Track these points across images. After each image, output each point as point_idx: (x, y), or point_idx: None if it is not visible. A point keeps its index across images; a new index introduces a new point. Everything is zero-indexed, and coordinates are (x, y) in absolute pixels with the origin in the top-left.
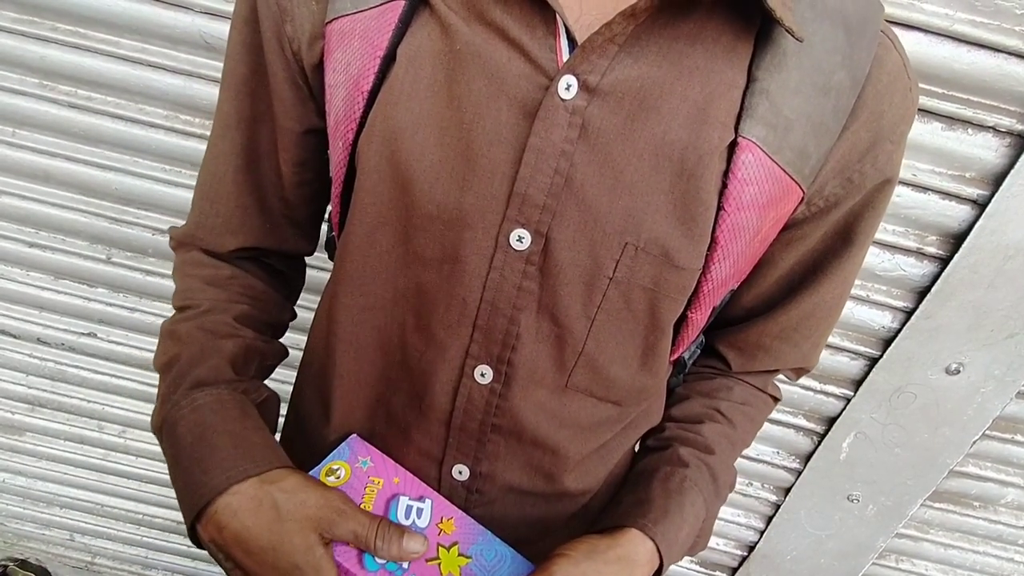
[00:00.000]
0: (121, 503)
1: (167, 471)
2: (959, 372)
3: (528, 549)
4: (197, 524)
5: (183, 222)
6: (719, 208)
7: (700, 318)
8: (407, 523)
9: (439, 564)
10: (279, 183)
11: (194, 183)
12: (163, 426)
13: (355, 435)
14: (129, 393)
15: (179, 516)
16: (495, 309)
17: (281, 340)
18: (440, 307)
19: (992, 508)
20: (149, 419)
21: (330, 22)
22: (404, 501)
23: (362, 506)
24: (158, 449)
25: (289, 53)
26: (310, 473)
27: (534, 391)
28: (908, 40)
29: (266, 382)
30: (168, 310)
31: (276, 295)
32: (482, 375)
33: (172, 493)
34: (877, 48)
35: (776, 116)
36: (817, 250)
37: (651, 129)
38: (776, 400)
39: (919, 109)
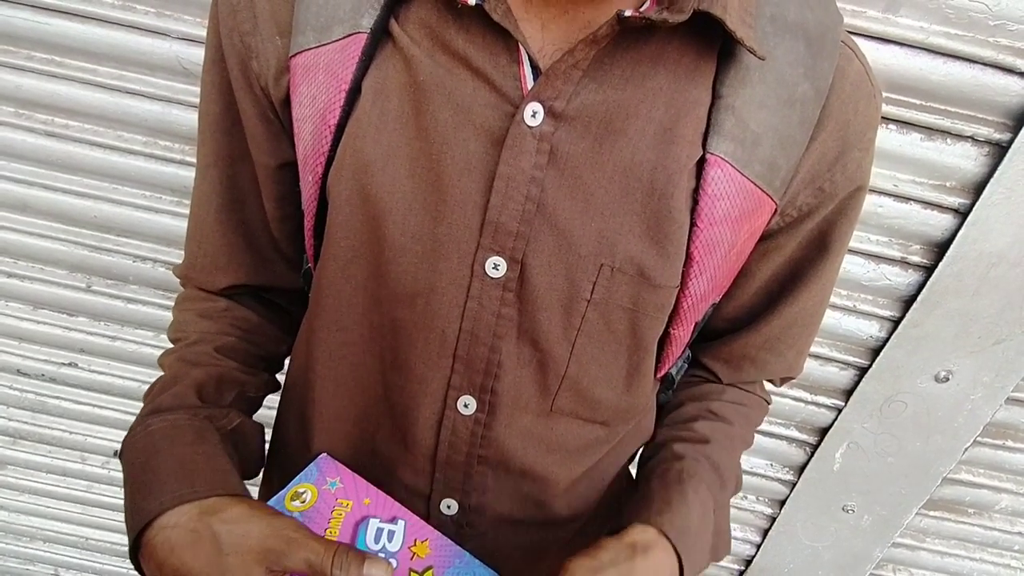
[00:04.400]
0: (106, 536)
1: None
2: (948, 380)
3: None
4: (140, 556)
5: (165, 248)
6: (692, 224)
7: (683, 334)
8: (376, 547)
9: None
10: (265, 220)
11: (174, 209)
12: (120, 452)
13: (325, 454)
14: (112, 423)
15: None
16: (475, 338)
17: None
18: (419, 341)
19: (987, 515)
20: None
21: (294, 56)
22: (374, 524)
23: (328, 531)
24: None
25: (257, 89)
26: (276, 496)
27: (519, 418)
28: (884, 53)
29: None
30: (149, 337)
31: (271, 328)
32: (465, 406)
33: None
34: (839, 58)
35: (743, 131)
36: (794, 259)
37: (619, 151)
38: (767, 403)
39: (899, 121)
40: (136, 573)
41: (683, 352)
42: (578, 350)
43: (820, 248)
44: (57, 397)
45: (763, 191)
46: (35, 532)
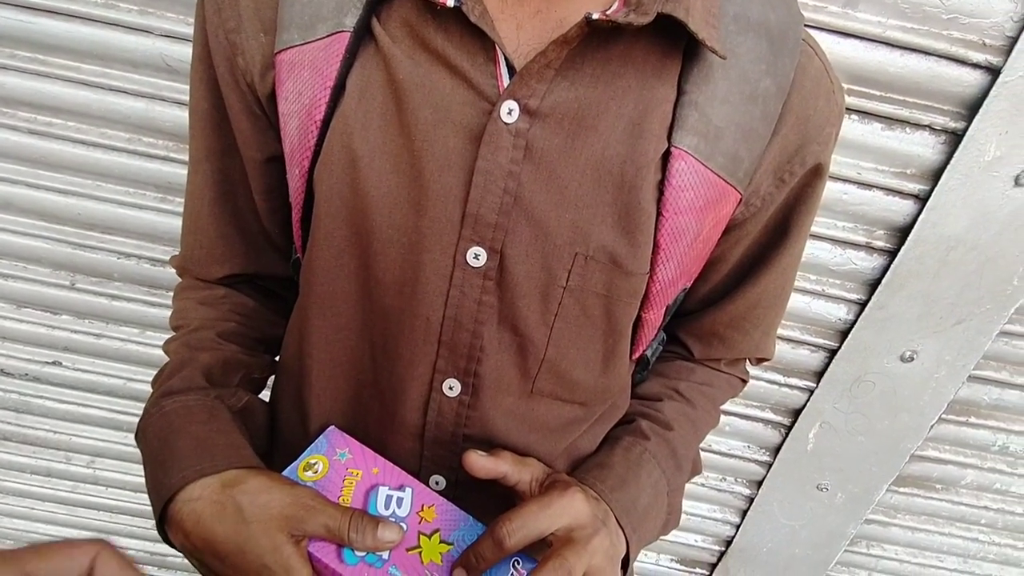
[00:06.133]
0: (92, 537)
1: (138, 500)
2: (913, 359)
3: None
4: (167, 528)
5: (149, 244)
6: (658, 214)
7: (654, 318)
8: (387, 513)
9: (420, 552)
10: (256, 212)
11: (157, 205)
12: (137, 435)
13: (333, 427)
14: (97, 422)
15: (154, 547)
16: (458, 324)
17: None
18: (406, 328)
19: (954, 490)
20: (119, 448)
21: (279, 53)
22: (383, 491)
23: (341, 499)
24: (129, 478)
25: (244, 85)
26: (289, 467)
27: (501, 399)
28: (845, 47)
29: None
30: (134, 334)
31: (268, 312)
32: (450, 388)
33: (145, 523)
34: (800, 56)
35: (706, 125)
36: (759, 243)
37: (591, 146)
38: (744, 382)
39: (860, 111)
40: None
41: (656, 334)
42: (556, 334)
43: (781, 234)
44: (41, 396)
45: (726, 182)
46: (19, 535)
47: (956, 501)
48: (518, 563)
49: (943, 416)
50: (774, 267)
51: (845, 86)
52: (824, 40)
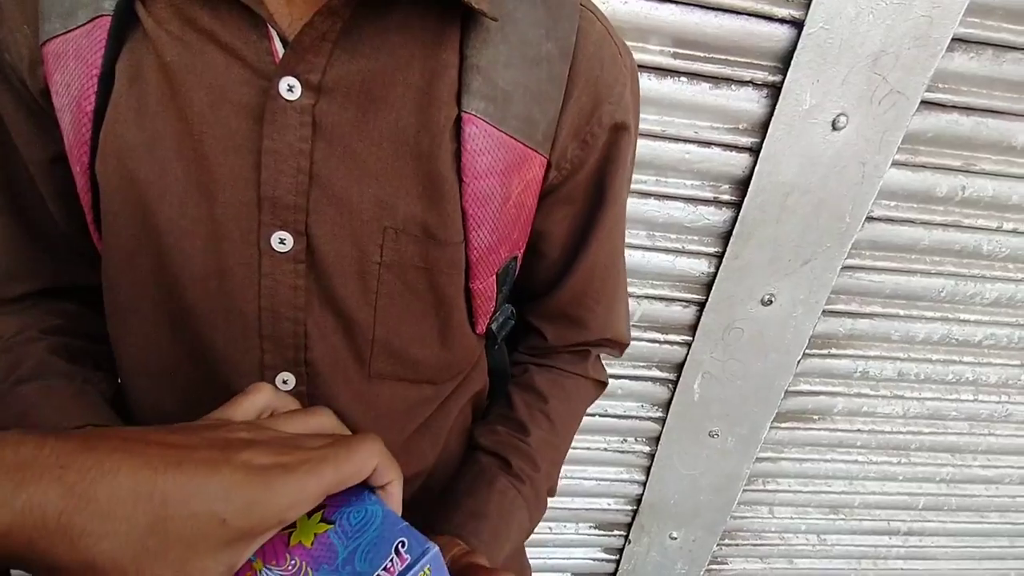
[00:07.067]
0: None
1: None
2: (772, 302)
3: None
4: None
5: None
6: (461, 181)
7: (485, 288)
8: None
9: (290, 534)
10: (52, 219)
11: None
12: None
13: None
14: None
15: None
16: (277, 315)
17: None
18: (220, 326)
19: (829, 419)
20: None
21: (44, 44)
22: None
23: None
24: None
25: (16, 82)
26: None
27: (341, 386)
28: (663, 12)
29: None
30: None
31: (92, 316)
32: (284, 382)
33: None
34: (580, 21)
35: (492, 89)
36: (582, 210)
37: (384, 118)
38: (602, 384)
39: (687, 73)
40: None
41: (497, 307)
42: (381, 312)
43: (599, 196)
44: None
45: (525, 145)
46: None
47: (832, 428)
48: (402, 544)
49: (807, 351)
50: (600, 232)
51: (670, 50)
52: (642, 6)
